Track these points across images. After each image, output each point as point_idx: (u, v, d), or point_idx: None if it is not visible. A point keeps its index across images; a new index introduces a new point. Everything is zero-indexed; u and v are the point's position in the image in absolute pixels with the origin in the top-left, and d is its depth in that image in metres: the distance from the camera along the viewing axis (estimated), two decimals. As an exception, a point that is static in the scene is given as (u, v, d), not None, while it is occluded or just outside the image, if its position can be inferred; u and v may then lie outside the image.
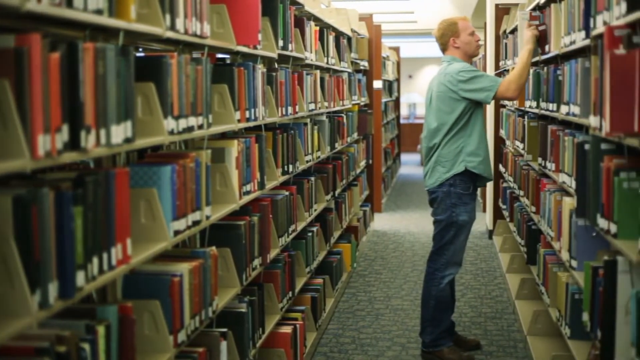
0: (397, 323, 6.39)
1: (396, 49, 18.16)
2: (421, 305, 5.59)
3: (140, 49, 3.78)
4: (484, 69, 10.66)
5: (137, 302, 3.04)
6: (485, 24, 10.58)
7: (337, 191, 7.26)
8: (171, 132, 3.16)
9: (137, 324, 3.01)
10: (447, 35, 5.52)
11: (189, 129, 3.35)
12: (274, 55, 4.78)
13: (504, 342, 5.93)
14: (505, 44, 8.55)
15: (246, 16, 4.24)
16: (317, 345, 5.84)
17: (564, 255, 4.49)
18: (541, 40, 5.52)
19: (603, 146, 3.50)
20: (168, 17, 3.14)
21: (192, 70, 3.38)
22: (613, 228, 3.27)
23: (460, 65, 5.40)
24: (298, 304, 5.67)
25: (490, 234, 9.85)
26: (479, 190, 11.94)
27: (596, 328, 3.51)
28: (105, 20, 2.59)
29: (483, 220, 10.86)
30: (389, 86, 15.63)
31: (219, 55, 4.79)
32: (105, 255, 2.57)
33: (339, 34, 7.78)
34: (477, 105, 5.38)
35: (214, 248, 3.73)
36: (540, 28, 5.51)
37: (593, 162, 3.53)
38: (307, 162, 5.88)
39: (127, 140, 2.71)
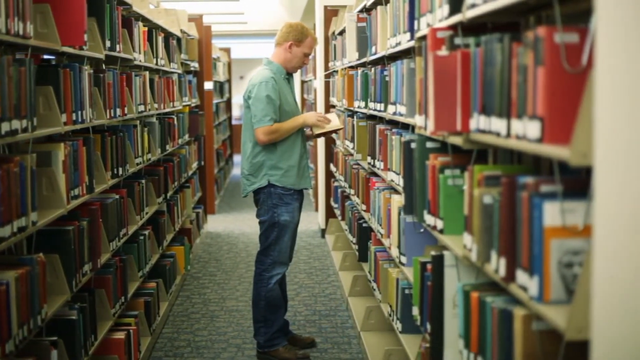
0: (233, 324, 6.38)
1: (227, 50, 18.12)
2: (252, 306, 5.59)
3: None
4: (314, 70, 10.78)
5: (-41, 313, 2.93)
6: (314, 25, 10.69)
7: (169, 193, 7.19)
8: (-7, 136, 3.05)
9: (-39, 336, 2.89)
10: (290, 36, 5.45)
11: (13, 133, 3.24)
12: (101, 56, 4.69)
13: (339, 338, 6.02)
14: (334, 45, 8.68)
15: (71, 16, 4.14)
16: (151, 349, 5.76)
17: (394, 252, 4.60)
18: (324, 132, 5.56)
19: (428, 145, 3.60)
20: (-12, 16, 3.03)
21: (15, 71, 3.27)
22: (439, 224, 3.36)
23: (264, 77, 5.32)
24: (131, 308, 5.58)
25: (323, 232, 9.97)
26: (310, 190, 12.12)
27: (426, 322, 3.60)
28: None
29: (315, 219, 10.99)
30: (220, 87, 15.59)
31: (45, 57, 4.66)
32: None
33: (168, 35, 7.71)
34: (281, 117, 5.34)
35: (41, 254, 3.62)
36: (336, 128, 5.55)
37: (419, 160, 3.62)
38: (138, 164, 5.79)
39: (-54, 145, 2.60)
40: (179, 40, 8.49)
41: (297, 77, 15.10)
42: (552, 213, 2.26)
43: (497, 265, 2.61)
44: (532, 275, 2.33)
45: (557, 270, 2.27)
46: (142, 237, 5.92)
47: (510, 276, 2.51)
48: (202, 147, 10.23)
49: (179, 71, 8.27)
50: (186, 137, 8.61)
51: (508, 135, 2.51)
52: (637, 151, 2.02)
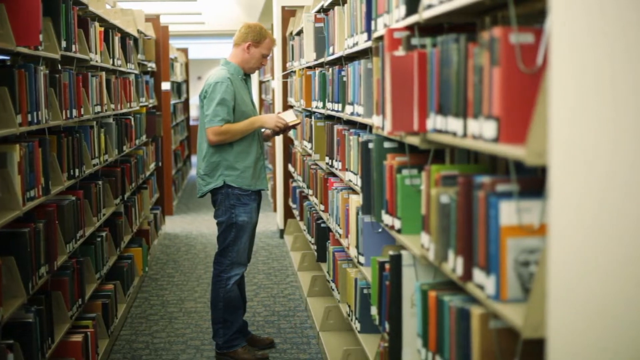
0: (191, 326, 6.35)
1: (184, 50, 18.06)
2: (211, 308, 5.57)
3: None
4: (272, 71, 10.78)
5: None
6: (272, 25, 10.69)
7: (127, 195, 7.15)
8: (-53, 137, 3.01)
9: None
10: (248, 37, 5.42)
11: (-33, 134, 3.21)
12: (57, 56, 4.65)
13: (298, 339, 6.02)
14: (292, 45, 8.68)
15: (26, 16, 4.09)
16: (109, 352, 5.72)
17: (352, 252, 4.61)
18: (283, 130, 5.56)
19: (386, 145, 3.61)
20: (-59, 16, 2.99)
21: (-31, 72, 3.24)
22: (397, 224, 3.38)
23: (220, 77, 5.29)
24: (88, 311, 5.53)
25: (282, 233, 9.96)
26: (269, 191, 12.11)
27: (384, 321, 3.61)
28: None
29: (274, 220, 10.98)
30: (178, 88, 15.52)
31: (-1, 57, 4.62)
32: None
33: (125, 35, 7.66)
34: (237, 117, 5.31)
35: (-4, 257, 3.59)
36: (294, 123, 5.55)
37: (377, 160, 3.63)
38: (94, 165, 5.75)
39: None
40: (135, 40, 8.44)
41: (255, 77, 15.08)
42: (508, 212, 2.28)
43: (454, 265, 2.63)
44: (488, 274, 2.34)
45: (513, 269, 2.28)
46: (99, 239, 5.87)
47: (468, 275, 2.52)
48: (160, 147, 10.18)
49: (136, 71, 8.22)
50: (143, 137, 8.56)
51: (464, 135, 2.53)
52: (591, 150, 2.04)
